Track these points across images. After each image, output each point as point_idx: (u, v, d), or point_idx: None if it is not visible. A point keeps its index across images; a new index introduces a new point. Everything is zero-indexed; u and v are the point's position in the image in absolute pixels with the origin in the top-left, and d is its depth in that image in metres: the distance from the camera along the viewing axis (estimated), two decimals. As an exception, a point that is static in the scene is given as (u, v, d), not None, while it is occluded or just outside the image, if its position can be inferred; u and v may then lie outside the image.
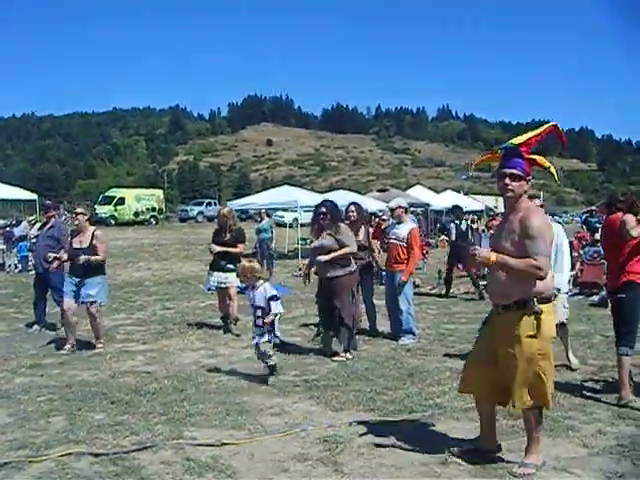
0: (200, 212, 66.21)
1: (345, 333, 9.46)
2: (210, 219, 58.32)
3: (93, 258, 10.17)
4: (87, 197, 79.06)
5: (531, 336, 5.10)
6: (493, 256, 5.07)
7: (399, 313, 10.56)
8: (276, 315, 8.20)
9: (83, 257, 10.08)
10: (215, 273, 11.37)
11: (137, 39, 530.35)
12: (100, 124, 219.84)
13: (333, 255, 9.35)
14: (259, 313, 8.18)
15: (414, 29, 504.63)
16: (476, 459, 5.46)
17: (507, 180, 5.16)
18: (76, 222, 10.50)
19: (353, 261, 9.71)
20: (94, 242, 10.30)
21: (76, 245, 10.35)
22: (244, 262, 8.71)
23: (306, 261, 10.56)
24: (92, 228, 10.61)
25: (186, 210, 69.08)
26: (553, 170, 5.42)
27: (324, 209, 9.64)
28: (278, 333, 8.39)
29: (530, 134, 5.34)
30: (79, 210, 10.67)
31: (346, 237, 9.52)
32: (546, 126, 5.40)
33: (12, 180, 70.47)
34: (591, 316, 12.66)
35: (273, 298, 8.18)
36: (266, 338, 8.17)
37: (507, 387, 5.25)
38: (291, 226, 42.21)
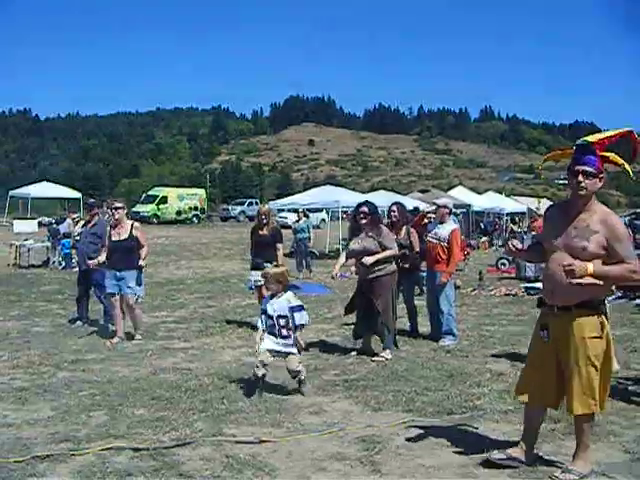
0: (242, 211, 66.58)
1: (385, 333, 9.45)
2: (251, 218, 58.61)
3: (143, 254, 10.71)
4: (130, 196, 79.61)
5: (597, 337, 5.03)
6: (590, 267, 4.87)
7: (440, 314, 10.51)
8: (302, 326, 7.70)
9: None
10: (254, 272, 11.39)
11: (180, 40, 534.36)
12: (144, 124, 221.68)
13: (377, 257, 9.33)
14: (282, 322, 7.64)
15: (457, 30, 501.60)
16: (515, 462, 5.40)
17: (580, 177, 4.98)
18: (116, 216, 10.69)
19: (393, 262, 9.70)
20: (134, 232, 10.62)
21: (115, 237, 10.64)
22: (272, 268, 8.26)
23: (341, 261, 10.35)
24: (131, 221, 10.94)
25: (228, 209, 69.51)
26: (628, 167, 5.20)
27: (365, 209, 9.61)
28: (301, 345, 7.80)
29: (603, 135, 5.17)
30: (117, 204, 10.87)
31: (388, 240, 9.52)
32: (621, 130, 5.22)
33: (57, 179, 71.75)
34: (635, 320, 12.50)
35: (298, 308, 7.66)
36: (295, 351, 7.66)
37: (565, 390, 5.15)
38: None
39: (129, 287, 10.50)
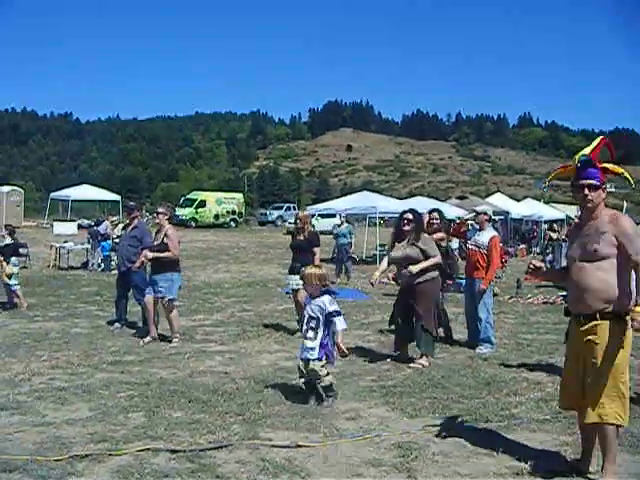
0: (279, 216, 66.71)
1: (426, 340, 9.42)
2: (289, 223, 58.85)
3: (162, 255, 10.64)
4: (169, 199, 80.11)
5: (621, 347, 5.05)
6: None
7: (478, 321, 10.46)
8: (338, 332, 7.43)
9: (149, 254, 10.68)
10: (291, 276, 11.42)
11: (219, 45, 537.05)
12: (182, 128, 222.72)
13: (421, 266, 9.29)
14: (312, 324, 7.47)
15: (495, 36, 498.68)
16: (553, 472, 5.37)
17: (586, 191, 5.20)
18: (157, 221, 10.84)
19: (436, 269, 9.67)
20: (165, 240, 10.71)
21: (156, 242, 10.86)
22: (311, 267, 7.99)
23: (382, 267, 10.19)
24: (168, 226, 10.97)
25: (265, 214, 69.69)
26: (627, 174, 5.46)
27: (410, 215, 9.62)
28: (335, 355, 7.62)
29: (590, 147, 5.39)
30: (160, 210, 11.02)
31: (431, 248, 9.49)
32: (598, 140, 5.46)
33: (97, 182, 72.61)
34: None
35: (336, 313, 7.44)
36: (316, 355, 7.39)
37: (586, 398, 5.14)
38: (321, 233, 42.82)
39: (161, 289, 10.64)
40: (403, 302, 9.73)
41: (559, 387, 5.75)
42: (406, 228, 9.54)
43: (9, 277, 13.80)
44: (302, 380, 7.67)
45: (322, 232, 46.54)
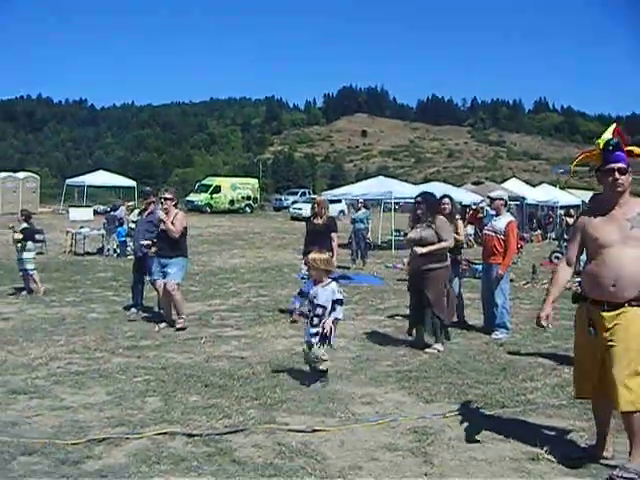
0: (294, 201, 66.78)
1: (437, 325, 9.42)
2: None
3: (167, 226, 10.78)
4: (184, 185, 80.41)
5: None
6: None
7: (494, 307, 10.44)
8: (337, 320, 7.65)
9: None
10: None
11: (233, 30, 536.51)
12: (197, 114, 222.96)
13: (431, 248, 9.30)
14: (319, 312, 7.57)
15: (511, 20, 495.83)
16: (569, 457, 5.36)
17: (617, 175, 5.11)
18: (165, 206, 10.87)
19: (447, 255, 9.67)
20: (173, 222, 10.78)
21: (162, 226, 10.91)
22: (316, 252, 8.00)
23: (405, 253, 10.31)
24: (175, 211, 11.04)
25: (280, 199, 69.73)
26: None
27: (420, 198, 9.67)
28: (334, 340, 7.77)
29: (609, 133, 5.33)
30: (167, 195, 11.05)
31: (444, 231, 9.47)
32: (613, 126, 5.43)
33: (112, 168, 72.88)
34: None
35: (339, 302, 7.62)
36: (318, 340, 7.54)
37: (612, 386, 5.08)
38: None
39: (169, 274, 10.72)
40: (414, 288, 9.75)
41: (573, 376, 5.68)
42: (419, 211, 9.56)
43: (18, 242, 13.92)
44: (307, 364, 7.76)
45: None
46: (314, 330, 7.56)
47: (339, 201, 50.67)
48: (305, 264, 8.32)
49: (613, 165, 5.12)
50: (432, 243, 9.32)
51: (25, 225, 14.31)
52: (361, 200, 25.22)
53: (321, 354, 7.52)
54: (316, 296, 7.63)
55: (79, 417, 6.31)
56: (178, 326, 10.62)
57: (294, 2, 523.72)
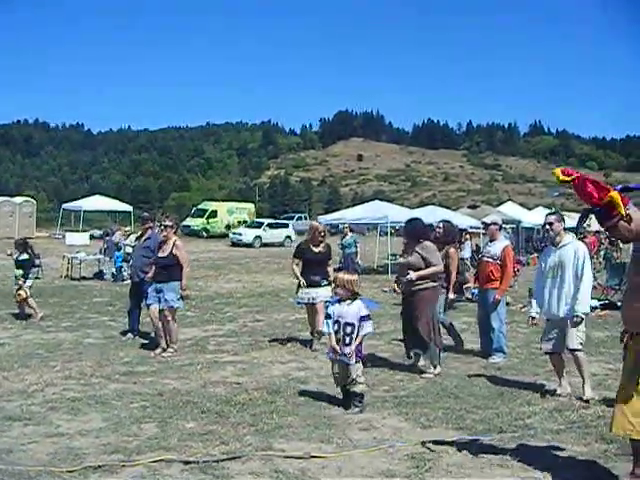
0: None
1: (429, 348, 9.45)
2: (300, 233, 58.75)
3: (184, 275, 10.81)
4: (180, 209, 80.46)
5: None
6: None
7: (490, 331, 10.44)
8: (365, 335, 7.75)
9: (186, 292, 10.97)
10: (309, 289, 11.23)
11: (230, 56, 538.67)
12: (194, 138, 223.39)
13: (420, 274, 9.41)
14: (348, 330, 7.66)
15: (505, 45, 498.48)
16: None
17: None
18: (164, 234, 10.91)
19: (436, 278, 9.76)
20: (174, 251, 10.78)
21: (160, 254, 10.93)
22: (342, 274, 8.18)
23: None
24: (174, 238, 11.04)
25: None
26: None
27: (408, 225, 9.98)
28: (363, 353, 7.87)
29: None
30: (167, 223, 11.02)
31: (432, 256, 9.56)
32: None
33: (109, 192, 73.03)
34: None
35: (366, 318, 7.69)
36: (354, 361, 7.61)
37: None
38: (252, 245, 44.20)
39: (166, 299, 10.67)
40: (405, 310, 9.84)
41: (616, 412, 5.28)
42: (405, 239, 9.91)
43: (24, 293, 13.86)
44: (338, 388, 7.82)
45: (272, 244, 46.65)
46: (347, 350, 7.58)
47: (286, 226, 51.46)
48: (334, 282, 8.31)
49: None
50: (419, 267, 9.43)
51: (26, 256, 14.24)
52: (347, 225, 25.32)
53: (357, 375, 7.60)
54: (341, 315, 7.72)
55: (75, 444, 6.27)
56: (167, 354, 10.56)
57: (289, 27, 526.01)
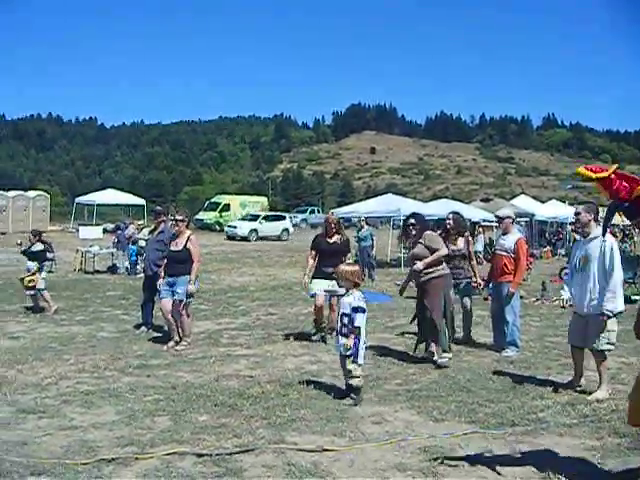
0: (304, 219, 66.78)
1: (439, 335, 9.54)
2: (313, 226, 58.74)
3: (194, 269, 10.76)
4: (193, 203, 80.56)
5: None
6: None
7: (504, 325, 10.42)
8: (358, 329, 7.61)
9: (191, 287, 10.72)
10: (322, 280, 11.18)
11: (243, 50, 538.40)
12: (207, 132, 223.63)
13: (427, 261, 9.55)
14: (345, 321, 7.67)
15: (519, 37, 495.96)
16: (578, 477, 5.33)
17: None
18: (176, 228, 10.94)
19: (445, 265, 9.86)
20: (188, 245, 10.79)
21: (173, 247, 10.91)
22: (345, 265, 8.27)
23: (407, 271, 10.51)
24: (188, 232, 11.07)
25: (290, 217, 69.79)
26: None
27: (412, 220, 10.02)
28: (362, 353, 7.73)
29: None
30: (179, 217, 10.99)
31: (434, 242, 9.72)
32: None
33: (122, 186, 73.15)
34: None
35: (358, 309, 7.64)
36: (350, 352, 7.60)
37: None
38: (248, 239, 42.96)
39: (177, 293, 10.67)
40: (419, 302, 9.94)
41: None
42: (412, 233, 9.96)
43: (35, 280, 13.89)
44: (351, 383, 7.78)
45: (268, 238, 45.28)
46: (343, 341, 7.63)
47: (283, 218, 50.46)
48: (335, 274, 8.27)
49: None
50: (424, 257, 9.60)
51: (40, 247, 14.30)
52: (363, 218, 25.24)
53: (354, 368, 7.62)
54: (341, 305, 7.82)
55: (88, 437, 6.31)
56: (180, 348, 10.59)
57: (301, 21, 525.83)
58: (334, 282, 10.98)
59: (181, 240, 10.85)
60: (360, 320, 7.65)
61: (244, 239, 44.08)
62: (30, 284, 13.87)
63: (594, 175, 4.70)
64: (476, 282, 11.48)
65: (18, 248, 15.12)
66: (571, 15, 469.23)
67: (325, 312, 11.30)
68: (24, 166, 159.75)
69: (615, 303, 7.71)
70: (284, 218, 50.58)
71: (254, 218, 48.59)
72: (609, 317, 7.71)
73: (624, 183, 4.73)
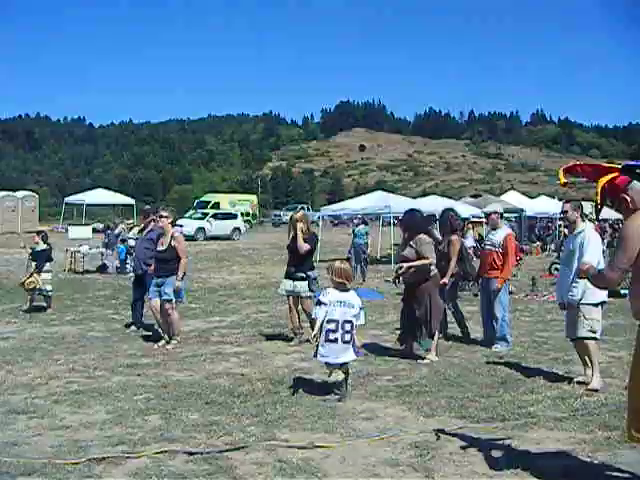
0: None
1: (425, 337, 9.60)
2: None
3: (180, 272, 10.63)
4: (183, 202, 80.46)
5: None
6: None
7: (493, 320, 10.45)
8: (314, 320, 7.80)
9: (178, 283, 10.64)
10: (286, 281, 11.13)
11: (231, 47, 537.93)
12: (195, 131, 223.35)
13: (409, 265, 9.54)
14: (348, 327, 7.58)
15: (508, 33, 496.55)
16: (569, 470, 5.35)
17: None
18: (160, 224, 10.89)
19: (433, 267, 9.78)
20: (173, 243, 10.71)
21: (159, 247, 10.86)
22: (337, 263, 8.02)
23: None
24: (172, 230, 10.99)
25: (279, 215, 69.84)
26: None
27: (402, 219, 10.21)
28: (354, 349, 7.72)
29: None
30: (164, 214, 10.95)
31: (424, 249, 9.60)
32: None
33: (111, 185, 73.00)
34: None
35: (319, 303, 7.76)
36: (353, 357, 7.69)
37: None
38: (195, 238, 39.97)
39: (165, 293, 10.63)
40: (405, 301, 9.98)
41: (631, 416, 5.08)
42: (404, 232, 10.03)
43: (41, 284, 13.94)
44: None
45: (218, 237, 43.31)
46: (349, 347, 7.63)
47: (234, 217, 48.12)
48: (328, 269, 8.07)
49: None
50: (412, 260, 9.58)
51: (44, 247, 14.36)
52: (359, 215, 25.21)
53: (339, 379, 7.62)
54: (342, 313, 7.67)
55: (79, 436, 6.29)
56: (170, 347, 10.57)
57: (290, 17, 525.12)
58: (296, 282, 10.88)
59: (166, 239, 10.80)
60: (315, 312, 7.83)
61: (190, 238, 38.50)
62: (31, 285, 13.90)
63: (562, 178, 4.87)
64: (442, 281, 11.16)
65: (25, 251, 15.11)
66: (561, 11, 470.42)
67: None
68: (12, 166, 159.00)
69: (580, 290, 7.84)
70: (235, 217, 48.39)
71: (202, 217, 46.30)
72: (571, 305, 7.98)
73: (585, 167, 4.90)
